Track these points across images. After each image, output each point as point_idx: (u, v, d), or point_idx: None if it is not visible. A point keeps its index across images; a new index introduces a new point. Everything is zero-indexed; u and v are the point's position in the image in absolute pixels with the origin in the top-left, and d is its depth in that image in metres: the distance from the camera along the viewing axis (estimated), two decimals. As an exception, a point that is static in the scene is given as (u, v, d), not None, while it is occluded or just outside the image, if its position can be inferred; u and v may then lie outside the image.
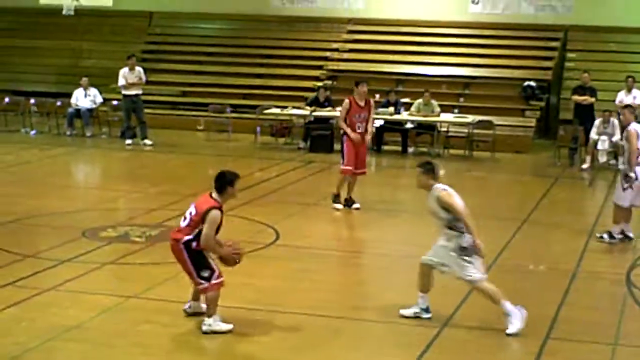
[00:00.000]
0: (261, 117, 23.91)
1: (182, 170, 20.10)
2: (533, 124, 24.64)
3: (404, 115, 22.82)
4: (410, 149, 23.16)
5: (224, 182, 9.31)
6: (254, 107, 24.59)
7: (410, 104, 23.19)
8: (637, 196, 13.37)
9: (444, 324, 9.70)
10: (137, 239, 13.04)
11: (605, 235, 13.58)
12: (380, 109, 22.44)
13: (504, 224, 14.74)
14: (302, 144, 23.16)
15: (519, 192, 19.14)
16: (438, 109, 22.81)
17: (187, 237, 9.21)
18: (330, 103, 23.13)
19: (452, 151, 22.94)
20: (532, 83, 25.02)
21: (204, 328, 9.27)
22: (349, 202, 15.62)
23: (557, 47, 27.22)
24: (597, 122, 21.52)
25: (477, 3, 27.82)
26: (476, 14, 27.89)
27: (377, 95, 23.68)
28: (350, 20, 28.96)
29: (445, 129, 23.38)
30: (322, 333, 9.47)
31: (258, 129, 23.69)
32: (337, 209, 15.46)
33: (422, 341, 9.18)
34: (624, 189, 13.38)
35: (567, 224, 14.85)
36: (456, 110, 24.22)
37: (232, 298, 9.69)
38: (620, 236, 13.55)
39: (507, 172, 21.25)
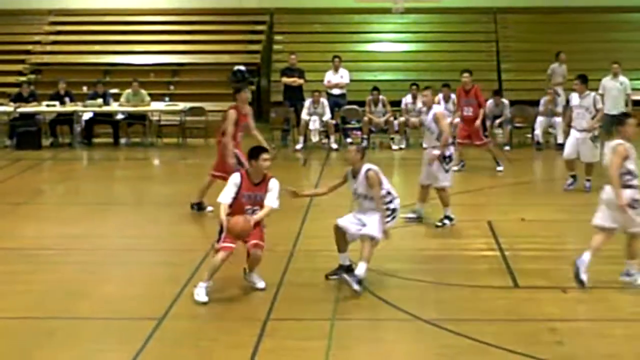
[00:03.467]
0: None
1: None
2: (245, 108, 24.68)
3: (113, 106, 22.27)
4: (123, 140, 22.63)
5: None
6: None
7: (120, 95, 22.65)
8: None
9: (164, 316, 9.41)
10: None
11: (446, 221, 13.41)
12: (89, 101, 21.85)
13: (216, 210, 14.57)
14: (8, 142, 22.06)
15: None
16: (148, 98, 22.45)
17: None
18: (35, 98, 22.17)
19: (165, 140, 22.62)
20: (242, 67, 25.07)
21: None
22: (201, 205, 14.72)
23: (264, 31, 27.47)
24: (307, 102, 21.86)
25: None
26: (184, 1, 27.66)
27: (85, 88, 23.09)
28: (51, 12, 28.00)
29: (157, 118, 23.01)
30: (34, 336, 8.92)
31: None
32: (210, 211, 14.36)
33: (141, 334, 8.83)
34: (447, 171, 13.33)
35: (284, 206, 14.81)
36: (167, 99, 23.89)
37: None
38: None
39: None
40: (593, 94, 16.20)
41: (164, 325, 9.21)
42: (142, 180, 18.59)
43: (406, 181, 17.43)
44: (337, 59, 22.63)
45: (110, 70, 25.78)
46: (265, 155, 10.26)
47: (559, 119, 21.16)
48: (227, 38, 26.96)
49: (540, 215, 13.99)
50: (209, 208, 14.18)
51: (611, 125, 20.21)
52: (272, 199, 10.23)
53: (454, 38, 27.08)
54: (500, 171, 17.72)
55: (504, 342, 8.56)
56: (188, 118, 22.76)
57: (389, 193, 10.53)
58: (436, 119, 13.33)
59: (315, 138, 21.65)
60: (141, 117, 22.65)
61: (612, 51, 24.16)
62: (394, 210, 10.55)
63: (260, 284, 10.27)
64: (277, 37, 27.36)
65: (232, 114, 13.72)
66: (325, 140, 21.71)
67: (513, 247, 12.08)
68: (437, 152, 13.19)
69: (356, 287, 9.91)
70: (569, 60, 23.23)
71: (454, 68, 25.21)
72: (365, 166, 10.48)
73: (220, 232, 10.16)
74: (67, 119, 22.12)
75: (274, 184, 10.29)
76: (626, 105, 20.46)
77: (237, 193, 10.20)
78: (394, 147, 21.61)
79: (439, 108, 13.96)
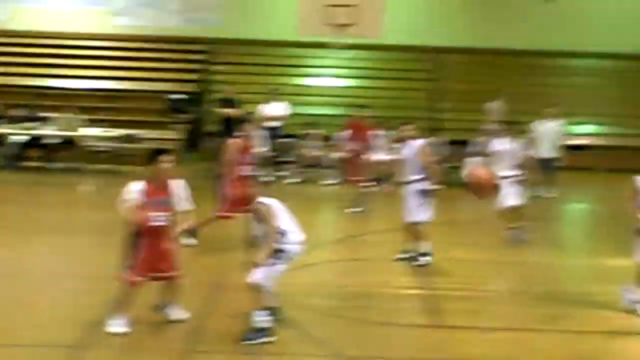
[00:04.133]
0: None
1: None
2: (180, 137, 24.57)
3: (46, 130, 21.98)
4: (54, 165, 22.32)
5: None
6: None
7: (53, 119, 22.36)
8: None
9: (78, 345, 9.21)
10: None
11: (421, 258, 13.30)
12: (21, 124, 21.57)
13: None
14: None
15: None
16: (81, 123, 22.17)
17: None
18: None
19: (97, 166, 22.35)
20: (179, 96, 24.91)
21: None
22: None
23: (203, 60, 27.38)
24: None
25: (122, 15, 27.41)
26: (122, 27, 27.50)
27: (17, 110, 22.84)
28: (-10, 32, 27.66)
29: (89, 144, 22.73)
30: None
31: None
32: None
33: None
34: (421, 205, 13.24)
35: (210, 236, 14.66)
36: (100, 125, 23.58)
37: None
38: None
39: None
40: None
41: (77, 355, 9.00)
42: (71, 205, 18.31)
43: (334, 217, 17.39)
44: (274, 91, 22.56)
45: (44, 93, 25.43)
46: (165, 157, 10.03)
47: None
48: (167, 66, 26.83)
49: (466, 255, 13.99)
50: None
51: (544, 168, 20.71)
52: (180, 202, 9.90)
53: (391, 75, 27.22)
54: None
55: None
56: (123, 145, 22.51)
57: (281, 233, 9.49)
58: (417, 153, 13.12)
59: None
60: (74, 142, 22.35)
61: (548, 95, 24.49)
62: (280, 251, 9.46)
63: (178, 316, 10.06)
64: (216, 68, 27.27)
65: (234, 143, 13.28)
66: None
67: (436, 286, 12.05)
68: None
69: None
70: (508, 102, 23.59)
71: (391, 105, 25.50)
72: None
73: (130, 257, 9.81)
74: (-1, 140, 21.80)
75: (177, 185, 9.99)
76: (558, 149, 20.65)
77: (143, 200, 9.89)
78: (326, 182, 21.55)
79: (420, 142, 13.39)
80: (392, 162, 18.79)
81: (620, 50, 27.62)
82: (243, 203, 13.64)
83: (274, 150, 22.10)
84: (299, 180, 21.67)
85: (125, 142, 22.53)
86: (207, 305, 10.83)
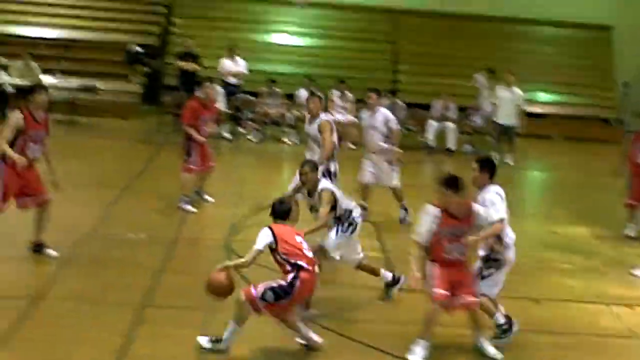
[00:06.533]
0: None
1: None
2: (138, 90, 24.34)
3: (3, 77, 21.60)
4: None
5: None
6: None
7: (9, 66, 21.98)
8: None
9: (38, 296, 9.15)
10: None
11: None
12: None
13: (104, 192, 14.35)
14: None
15: (122, 158, 18.66)
16: (39, 71, 21.84)
17: None
18: None
19: (53, 115, 21.99)
20: (138, 48, 24.63)
21: None
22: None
23: (164, 12, 27.08)
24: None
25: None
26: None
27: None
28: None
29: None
30: None
31: None
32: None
33: (12, 314, 8.60)
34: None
35: (168, 192, 14.57)
36: (57, 74, 23.23)
37: None
38: None
39: (111, 138, 20.73)
40: (385, 111, 14.08)
41: (38, 305, 8.94)
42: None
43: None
44: (234, 47, 22.34)
45: (0, 40, 24.98)
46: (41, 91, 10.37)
47: (451, 125, 21.47)
48: (126, 17, 26.42)
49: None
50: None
51: (503, 134, 20.83)
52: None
53: (353, 36, 27.13)
54: None
55: (379, 342, 8.58)
56: (79, 95, 22.22)
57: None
58: (320, 129, 12.48)
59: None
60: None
61: (509, 61, 24.52)
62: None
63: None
64: (177, 20, 26.99)
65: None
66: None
67: (397, 249, 12.06)
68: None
69: None
70: (468, 67, 23.63)
71: (350, 65, 25.45)
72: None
73: None
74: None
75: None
76: (517, 116, 20.74)
77: (24, 133, 10.09)
78: (286, 140, 21.50)
79: (324, 118, 12.68)
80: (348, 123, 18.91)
81: (581, 19, 27.70)
82: (203, 160, 13.70)
83: (233, 107, 21.96)
84: (258, 138, 21.54)
85: (82, 92, 22.24)
86: (163, 262, 10.79)
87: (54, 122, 21.00)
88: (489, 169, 8.74)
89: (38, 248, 10.64)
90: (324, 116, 12.64)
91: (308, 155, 12.33)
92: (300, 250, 8.07)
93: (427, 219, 8.34)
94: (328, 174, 12.11)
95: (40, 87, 11.20)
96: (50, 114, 18.49)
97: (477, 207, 8.40)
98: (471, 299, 8.39)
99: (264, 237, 8.04)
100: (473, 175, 8.73)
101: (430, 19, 27.92)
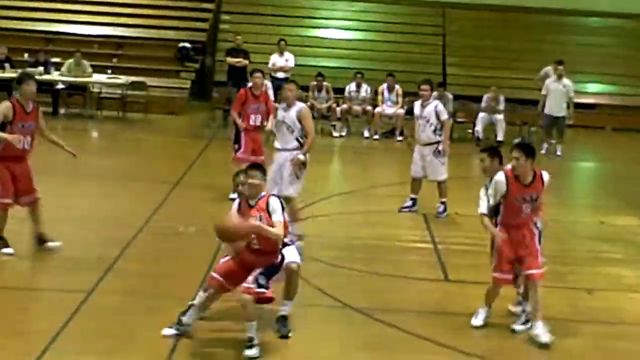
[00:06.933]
0: None
1: None
2: (188, 86, 24.57)
3: (54, 75, 21.93)
4: (62, 110, 22.30)
5: None
6: None
7: (61, 64, 22.30)
8: None
9: (92, 290, 9.30)
10: None
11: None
12: (29, 69, 21.42)
13: (157, 186, 14.50)
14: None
15: (173, 153, 18.88)
16: (90, 70, 22.13)
17: None
18: None
19: (105, 112, 22.35)
20: (187, 44, 24.87)
21: None
22: None
23: (211, 9, 27.27)
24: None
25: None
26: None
27: (26, 55, 22.70)
28: (-5, -24, 27.42)
29: (98, 90, 22.71)
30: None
31: None
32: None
33: (69, 307, 8.72)
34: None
35: (219, 186, 14.72)
36: (109, 71, 23.48)
37: None
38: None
39: (162, 133, 20.98)
40: (437, 102, 13.94)
41: (92, 299, 9.10)
42: (78, 151, 18.27)
43: (343, 169, 17.39)
44: (283, 42, 22.45)
45: (53, 38, 25.30)
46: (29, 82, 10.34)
47: (500, 117, 21.37)
48: (175, 14, 26.67)
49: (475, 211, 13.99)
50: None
51: (553, 126, 20.71)
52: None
53: (401, 29, 27.13)
54: None
55: (431, 334, 8.60)
56: (129, 92, 22.50)
57: None
58: (300, 117, 11.74)
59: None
60: (82, 88, 22.33)
61: (559, 53, 24.30)
62: None
63: None
64: (224, 17, 27.18)
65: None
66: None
67: (446, 241, 12.12)
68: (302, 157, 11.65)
69: None
70: (516, 60, 23.50)
71: (399, 59, 25.47)
72: None
73: None
74: (6, 85, 21.67)
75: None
76: (568, 107, 20.61)
77: (12, 124, 10.13)
78: (335, 134, 21.59)
79: (303, 105, 11.97)
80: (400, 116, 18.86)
81: (630, 10, 27.43)
82: (252, 152, 13.79)
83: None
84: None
85: (132, 89, 22.51)
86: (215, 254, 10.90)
87: (105, 119, 21.64)
88: (497, 156, 9.09)
89: (40, 241, 10.72)
90: (300, 104, 11.91)
91: (277, 144, 11.80)
92: None
93: (496, 188, 8.60)
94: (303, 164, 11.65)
95: (28, 76, 10.86)
96: (102, 110, 18.81)
97: (546, 174, 8.61)
98: (535, 271, 8.51)
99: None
100: (483, 166, 9.10)
101: (479, 12, 27.83)
